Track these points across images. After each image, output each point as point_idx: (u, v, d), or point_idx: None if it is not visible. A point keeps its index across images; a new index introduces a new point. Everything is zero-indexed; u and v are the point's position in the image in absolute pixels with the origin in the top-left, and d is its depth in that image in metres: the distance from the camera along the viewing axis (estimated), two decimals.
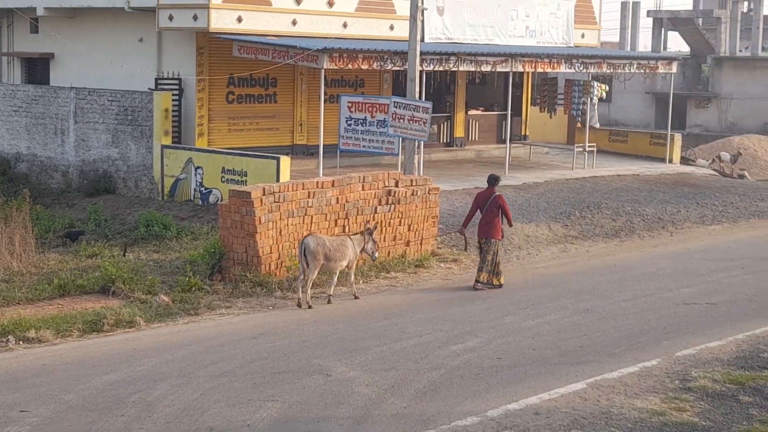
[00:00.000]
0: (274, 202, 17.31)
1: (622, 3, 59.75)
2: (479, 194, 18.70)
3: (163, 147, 25.06)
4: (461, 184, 26.02)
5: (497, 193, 18.32)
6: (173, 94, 26.22)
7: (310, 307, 15.91)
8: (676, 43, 65.48)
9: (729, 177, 35.00)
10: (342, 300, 16.55)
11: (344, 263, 16.45)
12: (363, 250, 16.91)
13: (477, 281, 17.84)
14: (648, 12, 57.45)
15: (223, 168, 23.52)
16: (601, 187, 27.29)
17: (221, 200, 21.73)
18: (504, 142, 30.35)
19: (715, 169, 36.00)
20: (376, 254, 17.30)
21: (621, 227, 23.81)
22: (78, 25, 29.24)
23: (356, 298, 16.67)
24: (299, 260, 16.33)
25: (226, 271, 17.40)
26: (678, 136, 35.36)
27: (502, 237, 18.46)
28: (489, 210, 18.15)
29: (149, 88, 26.33)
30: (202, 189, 23.97)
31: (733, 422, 10.90)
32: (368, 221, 18.31)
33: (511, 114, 29.60)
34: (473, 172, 28.54)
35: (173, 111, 26.02)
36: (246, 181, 22.56)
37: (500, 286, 17.85)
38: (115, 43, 28.14)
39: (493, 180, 18.56)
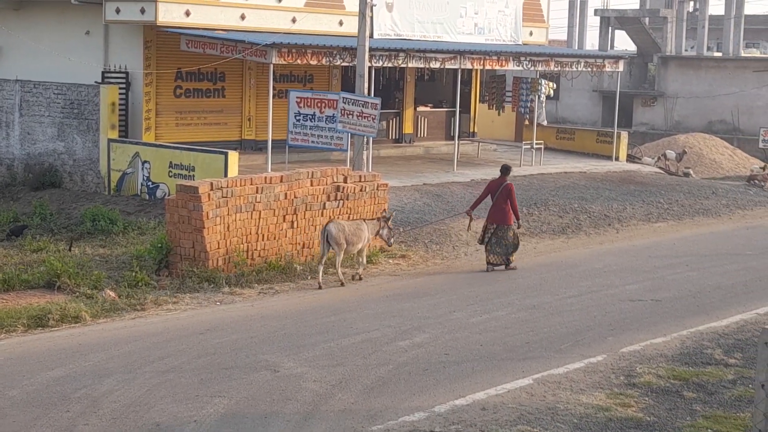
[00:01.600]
0: (222, 197, 17.24)
1: (569, 1, 60.18)
2: (491, 182, 19.92)
3: (110, 141, 24.86)
4: (410, 180, 26.07)
5: (508, 182, 19.43)
6: (120, 88, 26.00)
7: (320, 287, 17.18)
8: (623, 42, 66.06)
9: (674, 175, 35.41)
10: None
11: (359, 245, 17.95)
12: (378, 235, 18.47)
13: (489, 263, 19.16)
14: (595, 11, 57.93)
15: (171, 162, 23.37)
16: (548, 184, 27.48)
17: (168, 195, 21.61)
18: (453, 138, 30.46)
19: (660, 167, 36.40)
20: (392, 240, 18.97)
21: (568, 224, 24.00)
22: (24, 17, 28.89)
23: (360, 279, 18.00)
24: (320, 245, 17.80)
25: (173, 267, 17.30)
26: (624, 134, 35.68)
27: (512, 223, 19.41)
28: (499, 197, 19.31)
29: (96, 82, 26.08)
30: (149, 183, 23.80)
31: (677, 417, 11.03)
32: (384, 210, 19.89)
33: (459, 111, 29.71)
34: (422, 169, 28.63)
35: (120, 105, 25.81)
36: (194, 176, 22.45)
37: (515, 268, 19.21)
38: (62, 35, 27.85)
39: (505, 169, 19.74)
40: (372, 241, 18.73)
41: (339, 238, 17.44)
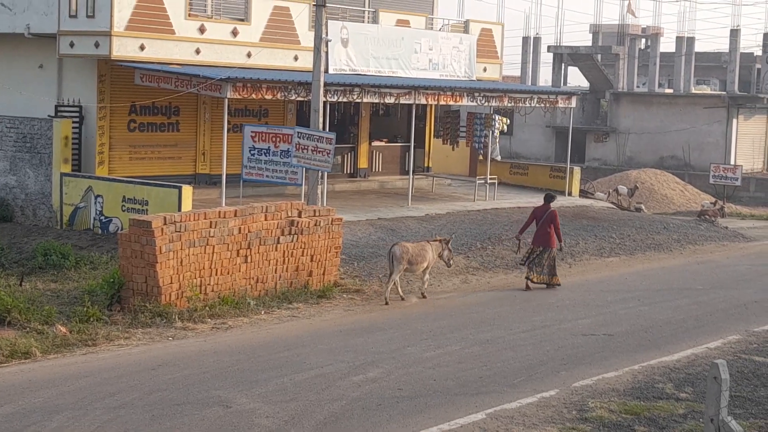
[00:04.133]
0: (175, 231, 17.17)
1: (523, 38, 60.84)
2: (536, 209, 22.13)
3: (63, 175, 24.68)
4: (365, 214, 26.11)
5: (552, 209, 21.68)
6: (74, 122, 25.87)
7: (387, 303, 18.98)
8: (576, 78, 66.74)
9: (626, 210, 35.75)
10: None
11: (424, 265, 19.62)
12: (440, 256, 20.01)
13: (529, 280, 21.19)
14: (548, 47, 58.59)
15: (124, 197, 23.24)
16: (502, 218, 27.62)
17: (121, 229, 21.46)
18: (407, 173, 30.56)
19: (613, 202, 36.74)
20: (451, 262, 20.58)
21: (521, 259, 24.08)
22: None
23: (424, 297, 19.73)
24: (388, 264, 19.58)
25: (125, 302, 17.17)
26: (577, 170, 35.99)
27: (556, 246, 21.55)
28: (544, 223, 21.48)
29: (49, 115, 25.94)
30: (102, 218, 23.65)
31: None
32: (453, 233, 22.58)
33: (414, 146, 29.84)
34: (376, 203, 28.69)
35: (73, 139, 25.66)
36: (147, 210, 22.33)
37: (559, 285, 21.31)
38: (15, 69, 27.71)
39: (549, 198, 22.11)
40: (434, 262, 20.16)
41: (402, 259, 19.14)
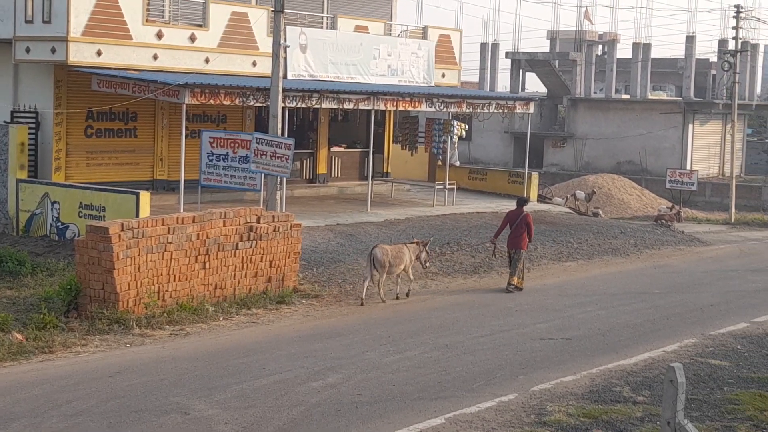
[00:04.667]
0: (133, 237, 17.07)
1: (481, 44, 61.11)
2: (510, 212, 22.55)
3: (19, 181, 24.48)
4: (324, 220, 26.09)
5: (525, 213, 22.23)
6: (30, 128, 25.65)
7: (383, 301, 19.61)
8: (534, 84, 67.10)
9: (584, 215, 35.97)
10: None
11: (401, 267, 20.07)
12: (417, 258, 20.53)
13: (509, 284, 21.61)
14: (506, 53, 58.87)
15: (81, 203, 23.08)
16: (461, 224, 27.70)
17: (78, 236, 21.32)
18: (366, 178, 30.58)
19: (570, 207, 36.97)
20: (428, 264, 21.19)
21: (480, 264, 24.19)
22: None
23: (407, 296, 20.28)
24: (367, 266, 19.87)
25: (82, 308, 17.04)
26: (535, 175, 36.18)
27: (527, 248, 22.28)
28: (518, 226, 21.98)
29: (4, 121, 25.70)
30: (59, 224, 23.47)
31: None
32: (431, 238, 22.72)
33: (373, 151, 29.87)
34: (335, 209, 28.68)
35: (30, 145, 25.45)
36: (104, 216, 22.19)
37: (521, 289, 21.61)
38: None
39: (522, 201, 22.75)
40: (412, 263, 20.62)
41: (384, 261, 19.60)
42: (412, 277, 20.68)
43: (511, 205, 32.27)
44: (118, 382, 13.42)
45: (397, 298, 20.22)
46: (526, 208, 22.37)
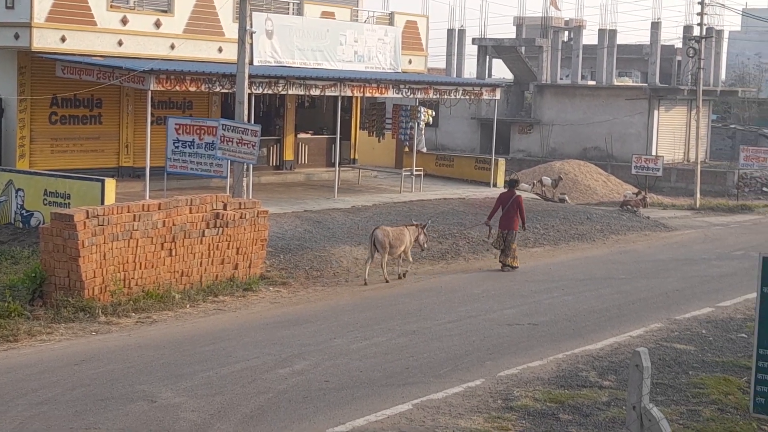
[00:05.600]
0: (98, 225, 16.96)
1: (448, 30, 61.05)
2: (502, 194, 23.56)
3: None
4: (291, 207, 26.04)
5: (517, 194, 23.13)
6: None
7: (387, 281, 20.46)
8: (501, 71, 67.17)
9: (550, 201, 36.10)
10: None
11: (402, 248, 20.75)
12: (416, 239, 21.25)
13: (504, 264, 22.43)
14: (473, 40, 58.84)
15: (46, 190, 22.89)
16: (428, 210, 27.73)
17: (43, 223, 21.15)
18: (333, 165, 30.55)
19: (537, 193, 37.07)
20: (426, 245, 21.86)
21: (447, 250, 24.23)
22: None
23: (400, 277, 20.96)
24: (369, 247, 20.74)
25: (47, 296, 16.92)
26: (502, 161, 36.26)
27: (518, 229, 22.89)
28: (510, 207, 22.73)
29: None
30: (23, 212, 23.26)
31: None
32: (429, 221, 23.31)
33: (340, 138, 29.84)
34: (302, 195, 28.63)
35: None
36: (69, 203, 22.01)
37: (517, 267, 22.49)
38: None
39: (513, 183, 24.03)
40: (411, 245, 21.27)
41: (384, 242, 20.30)
42: (410, 258, 21.33)
43: (478, 191, 32.58)
44: (84, 370, 13.35)
45: (399, 277, 21.00)
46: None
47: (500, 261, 22.65)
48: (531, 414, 12.04)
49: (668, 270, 23.77)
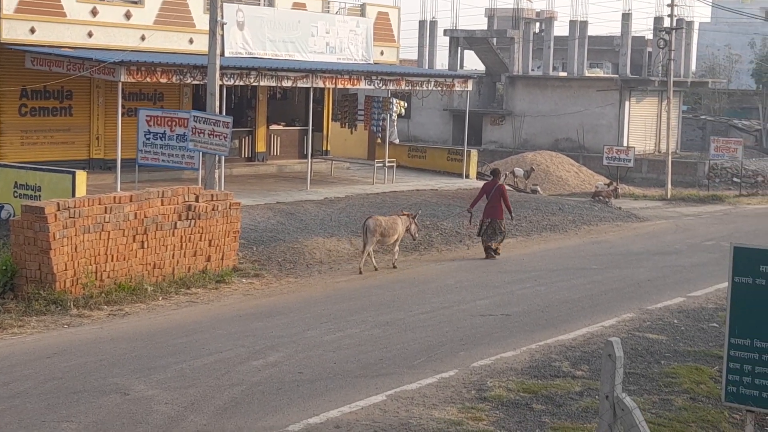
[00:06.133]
0: (69, 217, 16.86)
1: (419, 22, 61.04)
2: (486, 184, 24.21)
3: None
4: (263, 198, 25.97)
5: (500, 183, 23.67)
6: None
7: (360, 272, 20.53)
8: (472, 62, 67.26)
9: (523, 192, 36.20)
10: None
11: (395, 237, 21.27)
12: (408, 230, 21.71)
13: (491, 250, 22.95)
14: (445, 31, 58.86)
15: (16, 183, 22.69)
16: (400, 201, 27.72)
17: (13, 216, 20.98)
18: (306, 157, 30.49)
19: (509, 185, 37.10)
20: (417, 235, 22.48)
21: (420, 241, 24.22)
22: None
23: (394, 267, 21.32)
24: (362, 237, 21.05)
25: (18, 289, 16.80)
26: (474, 152, 36.31)
27: (504, 217, 23.27)
28: (493, 196, 23.16)
29: None
30: None
31: (526, 430, 11.25)
32: (419, 208, 24.47)
33: (312, 129, 29.78)
34: (275, 187, 28.57)
35: None
36: (40, 196, 21.85)
37: (497, 256, 22.99)
38: None
39: (495, 172, 24.52)
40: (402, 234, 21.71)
41: (375, 231, 20.67)
42: (397, 248, 21.78)
43: (450, 182, 32.64)
44: (56, 363, 13.27)
45: (394, 267, 21.40)
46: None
47: (485, 246, 23.06)
48: (504, 404, 12.07)
49: (640, 260, 23.88)
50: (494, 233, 23.11)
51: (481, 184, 33.61)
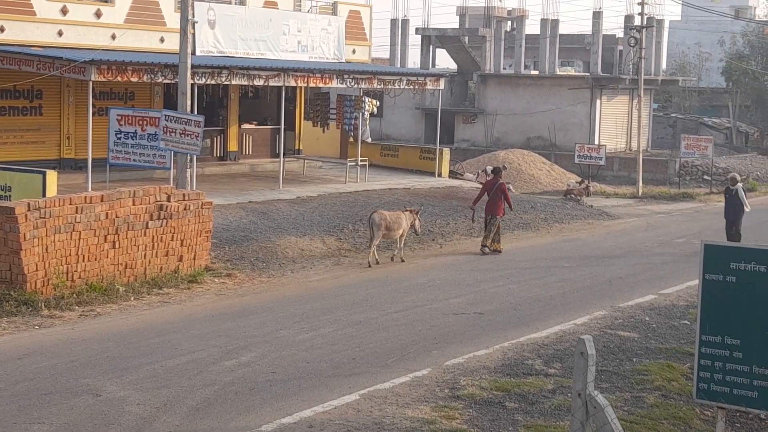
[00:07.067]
0: (40, 218, 16.75)
1: (391, 20, 61.00)
2: (487, 181, 25.42)
3: None
4: (235, 198, 25.91)
5: (501, 181, 24.46)
6: None
7: (375, 263, 21.37)
8: (444, 61, 67.27)
9: None
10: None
11: (400, 232, 21.88)
12: (411, 225, 22.30)
13: (484, 246, 23.58)
14: (417, 29, 58.87)
15: None
16: (373, 200, 27.72)
17: None
18: (278, 156, 30.44)
19: (481, 183, 37.16)
20: (420, 230, 23.06)
21: (392, 239, 24.20)
22: None
23: (402, 261, 22.00)
24: (368, 231, 21.88)
25: None
26: (446, 151, 36.36)
27: (503, 214, 24.27)
28: (494, 194, 24.04)
29: None
30: None
31: (500, 428, 11.27)
32: (422, 205, 25.72)
33: (284, 128, 29.73)
34: (247, 186, 28.51)
35: None
36: (10, 196, 21.63)
37: (500, 251, 23.69)
38: None
39: (497, 171, 25.15)
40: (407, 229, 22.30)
41: (381, 225, 21.27)
42: (402, 244, 22.33)
43: (423, 181, 32.68)
44: (27, 364, 13.18)
45: (401, 260, 22.08)
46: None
47: (482, 243, 23.68)
48: (477, 402, 12.09)
49: (612, 258, 23.99)
50: (489, 230, 23.76)
51: (453, 182, 33.77)
